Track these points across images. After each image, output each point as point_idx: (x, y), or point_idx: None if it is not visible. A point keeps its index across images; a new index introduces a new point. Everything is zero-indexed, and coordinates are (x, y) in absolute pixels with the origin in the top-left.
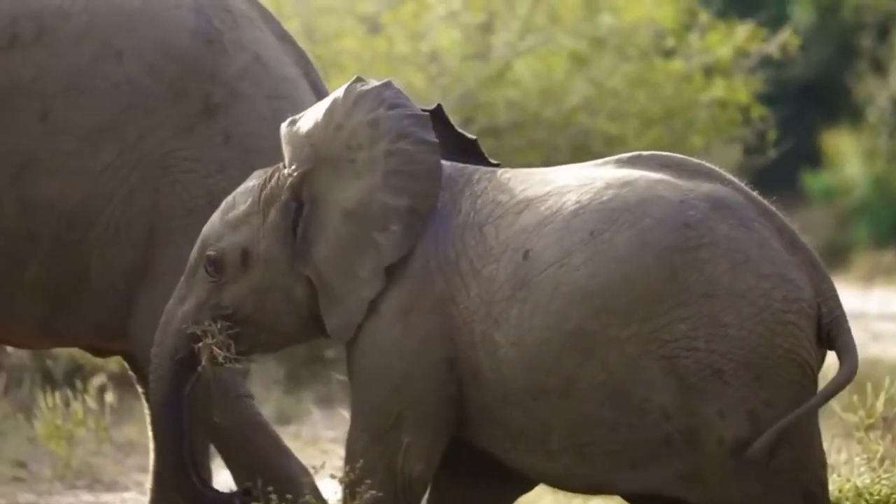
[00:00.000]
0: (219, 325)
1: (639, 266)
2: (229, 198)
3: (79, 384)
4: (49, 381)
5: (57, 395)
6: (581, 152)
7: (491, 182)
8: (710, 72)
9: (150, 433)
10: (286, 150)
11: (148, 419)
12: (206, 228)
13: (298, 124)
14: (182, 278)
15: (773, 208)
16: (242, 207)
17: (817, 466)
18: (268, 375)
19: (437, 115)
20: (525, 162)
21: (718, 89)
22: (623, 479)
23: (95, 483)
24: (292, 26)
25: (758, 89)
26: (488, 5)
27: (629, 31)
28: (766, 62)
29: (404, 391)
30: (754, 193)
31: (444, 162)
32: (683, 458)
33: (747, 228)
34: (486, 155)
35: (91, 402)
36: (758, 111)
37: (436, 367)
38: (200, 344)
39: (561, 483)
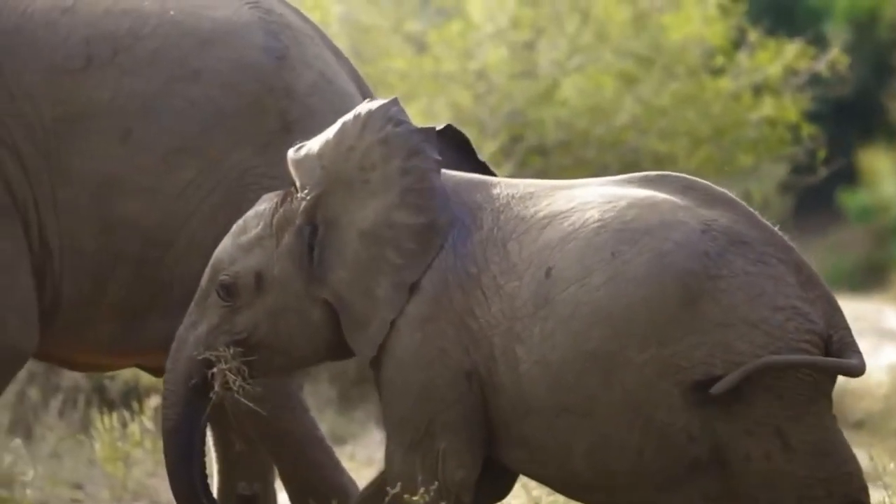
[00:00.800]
0: (232, 351)
1: (657, 289)
2: (240, 221)
3: (135, 405)
4: (105, 402)
5: (114, 416)
6: (631, 171)
7: (513, 196)
8: (758, 90)
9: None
10: (296, 175)
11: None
12: (217, 252)
13: (307, 148)
14: (192, 303)
15: (790, 244)
16: (255, 231)
17: (853, 474)
18: (320, 396)
19: (449, 134)
20: None
21: (768, 108)
22: (648, 502)
23: None
24: (339, 45)
25: (806, 108)
26: (535, 22)
27: (677, 49)
28: (811, 81)
29: (428, 400)
30: (774, 228)
31: (461, 174)
32: (710, 478)
33: (764, 264)
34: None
35: (148, 423)
36: (807, 130)
37: (455, 376)
38: (214, 370)
39: (581, 498)
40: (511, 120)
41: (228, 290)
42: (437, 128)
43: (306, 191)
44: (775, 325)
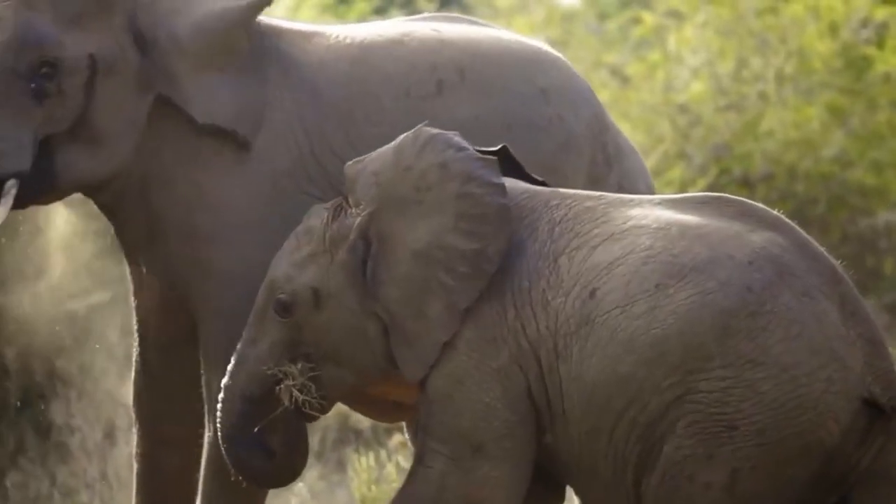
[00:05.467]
0: (300, 367)
1: (695, 325)
2: (291, 238)
3: (390, 444)
4: (361, 441)
5: (370, 455)
6: (838, 204)
7: (571, 209)
8: None
9: None
10: (352, 189)
11: None
12: (271, 270)
13: (364, 163)
14: (250, 320)
15: (841, 274)
16: (308, 248)
17: None
18: None
19: (505, 156)
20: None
21: None
22: None
23: None
24: None
25: None
26: (739, 52)
27: (881, 81)
28: None
29: (489, 422)
30: (825, 255)
31: (523, 185)
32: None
33: (809, 298)
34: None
35: (403, 463)
36: None
37: (515, 397)
38: (281, 386)
39: None
40: (716, 153)
41: (286, 308)
42: (494, 151)
43: (361, 206)
44: (807, 371)
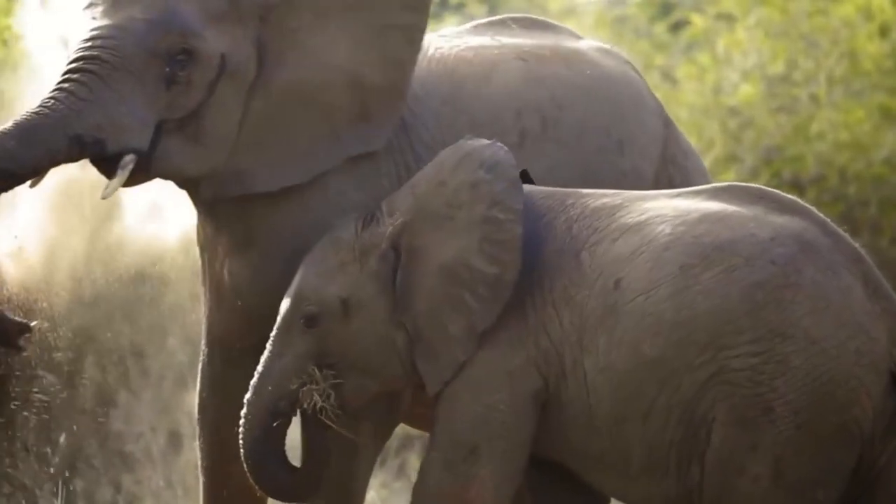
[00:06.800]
0: (322, 373)
1: (723, 301)
2: (315, 251)
3: None
4: (422, 446)
5: None
6: (889, 206)
7: (586, 207)
8: None
9: None
10: (391, 199)
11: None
12: (296, 283)
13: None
14: (275, 332)
15: (861, 253)
16: (335, 258)
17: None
18: None
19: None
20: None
21: None
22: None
23: None
24: None
25: None
26: (790, 54)
27: None
28: None
29: (486, 423)
30: (845, 236)
31: (536, 189)
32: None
33: (833, 273)
34: None
35: None
36: None
37: (522, 400)
38: (304, 389)
39: (632, 498)
40: (767, 155)
41: (313, 319)
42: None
43: (395, 216)
44: (835, 343)
